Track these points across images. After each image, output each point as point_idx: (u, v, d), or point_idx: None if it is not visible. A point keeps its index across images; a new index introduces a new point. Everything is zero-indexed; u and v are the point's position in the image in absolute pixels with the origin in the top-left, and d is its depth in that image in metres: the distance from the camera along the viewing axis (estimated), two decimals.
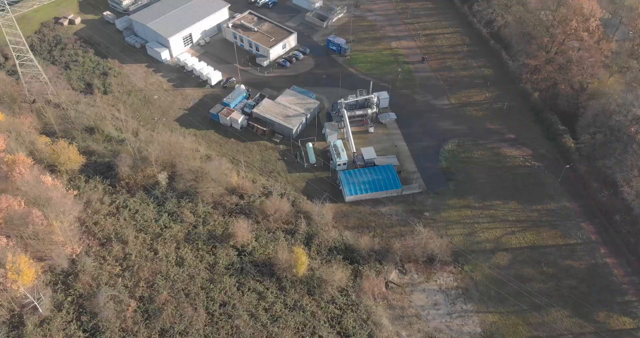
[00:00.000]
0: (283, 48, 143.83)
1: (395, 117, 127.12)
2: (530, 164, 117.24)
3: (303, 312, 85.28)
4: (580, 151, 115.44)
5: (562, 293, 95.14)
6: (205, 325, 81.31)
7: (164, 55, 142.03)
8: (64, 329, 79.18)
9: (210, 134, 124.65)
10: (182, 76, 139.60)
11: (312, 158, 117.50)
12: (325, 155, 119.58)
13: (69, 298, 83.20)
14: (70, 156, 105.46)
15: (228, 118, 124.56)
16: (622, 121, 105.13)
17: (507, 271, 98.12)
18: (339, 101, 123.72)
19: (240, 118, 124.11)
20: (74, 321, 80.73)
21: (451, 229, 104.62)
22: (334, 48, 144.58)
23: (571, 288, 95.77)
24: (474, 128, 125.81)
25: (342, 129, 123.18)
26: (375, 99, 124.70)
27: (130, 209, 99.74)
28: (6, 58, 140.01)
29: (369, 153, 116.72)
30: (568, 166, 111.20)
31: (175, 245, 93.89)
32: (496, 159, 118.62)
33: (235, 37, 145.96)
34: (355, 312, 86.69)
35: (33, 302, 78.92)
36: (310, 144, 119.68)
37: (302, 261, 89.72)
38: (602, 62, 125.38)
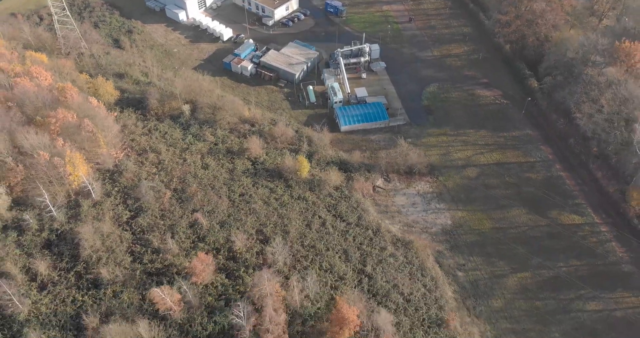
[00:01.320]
0: (286, 10, 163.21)
1: (385, 65, 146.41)
2: (500, 102, 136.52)
3: (305, 201, 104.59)
4: (542, 89, 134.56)
5: (522, 197, 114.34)
6: (228, 208, 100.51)
7: (181, 16, 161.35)
8: (112, 209, 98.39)
9: (223, 80, 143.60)
10: (197, 33, 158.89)
11: (313, 98, 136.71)
12: (323, 96, 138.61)
13: (116, 189, 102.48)
14: (107, 89, 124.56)
15: (239, 66, 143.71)
16: (575, 58, 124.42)
17: (475, 181, 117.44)
18: (336, 50, 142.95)
19: (249, 66, 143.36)
20: (121, 204, 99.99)
21: (429, 151, 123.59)
22: (332, 10, 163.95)
23: (529, 193, 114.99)
24: (452, 74, 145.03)
25: (338, 76, 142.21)
26: (367, 49, 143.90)
27: (160, 131, 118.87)
28: (41, 19, 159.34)
29: (361, 92, 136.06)
30: (530, 98, 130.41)
31: (200, 156, 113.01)
32: (470, 99, 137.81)
33: (244, 1, 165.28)
34: (348, 202, 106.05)
35: (87, 188, 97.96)
36: (311, 87, 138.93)
37: (304, 166, 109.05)
38: (564, 18, 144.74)
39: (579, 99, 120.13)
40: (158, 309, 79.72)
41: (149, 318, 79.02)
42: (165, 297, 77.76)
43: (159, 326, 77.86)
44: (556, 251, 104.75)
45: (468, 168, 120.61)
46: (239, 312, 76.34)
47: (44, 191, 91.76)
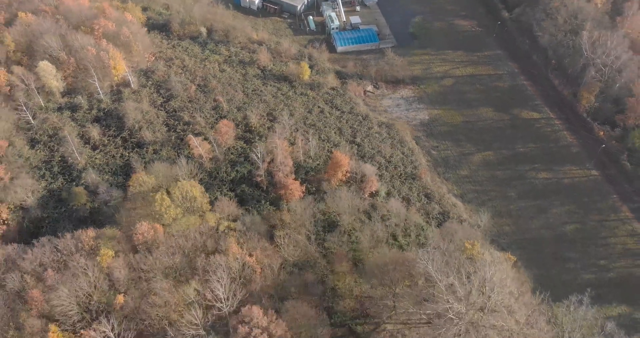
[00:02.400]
0: None
1: (377, 0, 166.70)
2: (475, 30, 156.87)
3: (307, 96, 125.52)
4: (512, 18, 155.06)
5: (490, 99, 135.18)
6: (243, 98, 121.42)
7: None
8: (149, 96, 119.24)
9: (234, 13, 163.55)
10: None
11: (312, 25, 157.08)
12: (322, 26, 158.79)
13: (150, 82, 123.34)
14: (136, 13, 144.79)
15: (247, 0, 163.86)
16: None
17: (451, 88, 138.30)
18: None
19: (257, 0, 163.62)
20: (155, 93, 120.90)
21: (413, 66, 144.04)
22: None
23: (496, 97, 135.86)
24: (436, 8, 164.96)
25: (336, 9, 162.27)
26: None
27: (182, 47, 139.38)
28: None
29: (355, 19, 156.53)
30: (499, 22, 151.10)
31: (217, 64, 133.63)
32: (450, 28, 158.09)
33: None
34: (342, 98, 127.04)
35: (127, 79, 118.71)
36: (311, 17, 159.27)
37: (306, 70, 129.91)
38: None
39: (540, 18, 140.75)
40: (193, 154, 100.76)
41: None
42: (198, 145, 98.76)
43: (193, 166, 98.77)
44: (516, 137, 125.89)
45: (445, 79, 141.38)
46: (257, 153, 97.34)
47: (94, 73, 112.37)
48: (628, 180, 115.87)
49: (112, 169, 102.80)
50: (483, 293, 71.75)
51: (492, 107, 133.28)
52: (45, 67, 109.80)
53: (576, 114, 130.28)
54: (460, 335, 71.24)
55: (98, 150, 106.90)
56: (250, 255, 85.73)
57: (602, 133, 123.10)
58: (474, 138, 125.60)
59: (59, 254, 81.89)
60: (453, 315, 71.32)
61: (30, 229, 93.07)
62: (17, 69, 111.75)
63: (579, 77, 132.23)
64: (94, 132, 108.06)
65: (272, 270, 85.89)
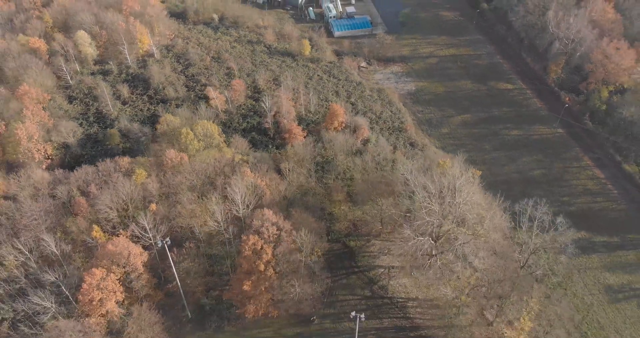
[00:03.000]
0: None
1: None
2: (457, 19, 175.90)
3: (308, 68, 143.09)
4: (490, 8, 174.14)
5: (469, 74, 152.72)
6: (251, 67, 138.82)
7: None
8: (170, 64, 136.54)
9: (241, 6, 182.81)
10: None
11: (312, 15, 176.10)
12: (321, 16, 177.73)
13: (170, 54, 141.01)
14: (154, 2, 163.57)
15: None
16: None
17: (436, 65, 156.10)
18: None
19: None
20: (175, 62, 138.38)
21: (402, 48, 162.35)
22: None
23: (475, 73, 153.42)
24: (423, 2, 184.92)
25: (333, 3, 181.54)
26: None
27: (197, 29, 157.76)
28: None
29: (350, 9, 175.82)
30: (478, 10, 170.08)
31: (228, 42, 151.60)
32: (435, 17, 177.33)
33: None
34: (339, 69, 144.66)
35: (152, 51, 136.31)
36: (311, 8, 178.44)
37: (307, 46, 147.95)
38: None
39: (513, 4, 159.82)
40: (210, 106, 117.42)
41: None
42: (215, 97, 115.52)
43: (211, 113, 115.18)
44: (491, 104, 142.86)
45: (430, 58, 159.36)
46: (266, 101, 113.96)
47: (124, 41, 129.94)
48: (589, 136, 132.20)
49: (140, 119, 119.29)
50: (452, 193, 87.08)
51: (471, 80, 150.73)
52: (82, 35, 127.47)
53: (545, 85, 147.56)
54: (434, 235, 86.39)
55: (127, 105, 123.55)
56: (261, 180, 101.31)
57: (567, 99, 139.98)
58: (454, 104, 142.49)
59: (99, 174, 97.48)
60: (427, 215, 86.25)
61: (71, 163, 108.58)
62: (58, 36, 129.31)
63: (547, 53, 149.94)
64: (124, 91, 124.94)
65: (278, 192, 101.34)
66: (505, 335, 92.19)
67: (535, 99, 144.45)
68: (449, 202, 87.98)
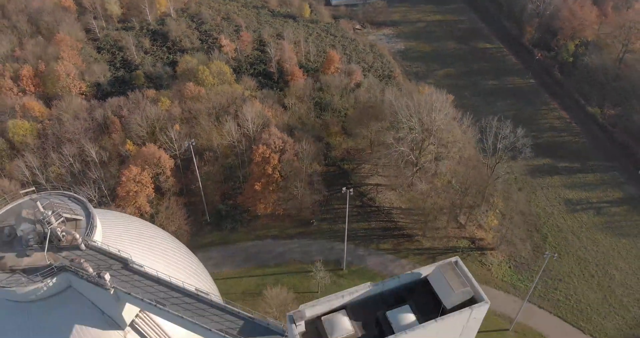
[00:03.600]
0: None
1: None
2: None
3: (308, 27, 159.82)
4: None
5: (453, 36, 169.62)
6: (257, 25, 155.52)
7: None
8: (186, 23, 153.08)
9: None
10: None
11: None
12: None
13: (185, 14, 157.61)
14: None
15: None
16: None
17: (423, 29, 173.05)
18: None
19: None
20: (190, 21, 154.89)
21: (393, 14, 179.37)
22: None
23: (459, 35, 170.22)
24: None
25: None
26: None
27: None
28: None
29: None
30: None
31: (236, 7, 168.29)
32: None
33: None
34: (335, 28, 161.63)
35: (169, 11, 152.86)
36: None
37: (307, 9, 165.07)
38: None
39: None
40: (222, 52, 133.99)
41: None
42: (226, 45, 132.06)
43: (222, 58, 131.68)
44: (472, 60, 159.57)
45: (419, 23, 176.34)
46: (270, 48, 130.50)
47: (145, 1, 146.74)
48: (558, 85, 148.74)
49: (161, 64, 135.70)
50: (429, 111, 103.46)
51: (455, 41, 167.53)
52: None
53: (521, 45, 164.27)
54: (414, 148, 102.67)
55: (149, 54, 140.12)
56: (267, 111, 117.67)
57: (540, 55, 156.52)
58: (439, 61, 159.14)
59: (129, 101, 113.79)
60: (409, 130, 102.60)
61: (103, 99, 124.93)
62: None
63: (523, 17, 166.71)
64: (146, 42, 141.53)
65: (282, 120, 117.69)
66: (476, 235, 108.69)
67: (512, 56, 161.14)
68: (427, 119, 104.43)
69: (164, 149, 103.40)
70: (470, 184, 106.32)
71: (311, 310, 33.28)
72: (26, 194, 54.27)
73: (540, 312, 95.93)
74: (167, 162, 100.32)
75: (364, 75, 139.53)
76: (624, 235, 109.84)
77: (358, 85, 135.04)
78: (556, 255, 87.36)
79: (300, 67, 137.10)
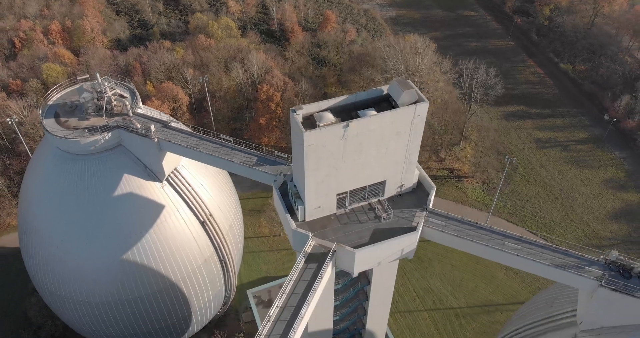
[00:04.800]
0: None
1: None
2: None
3: None
4: None
5: (440, 6, 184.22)
6: None
7: None
8: None
9: None
10: None
11: None
12: None
13: None
14: None
15: None
16: None
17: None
18: None
19: None
20: None
21: None
22: None
23: (446, 4, 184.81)
24: None
25: None
26: None
27: None
28: None
29: None
30: None
31: None
32: None
33: None
34: None
35: None
36: None
37: None
38: None
39: None
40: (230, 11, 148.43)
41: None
42: (232, 5, 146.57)
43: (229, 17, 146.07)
44: (457, 25, 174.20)
45: None
46: (272, 9, 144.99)
47: None
48: (534, 46, 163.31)
49: (175, 22, 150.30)
50: (414, 55, 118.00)
51: (442, 10, 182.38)
52: None
53: (503, 12, 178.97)
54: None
55: (163, 15, 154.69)
56: (270, 61, 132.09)
57: (519, 20, 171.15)
58: (427, 26, 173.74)
59: (148, 50, 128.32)
60: (395, 72, 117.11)
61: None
62: None
63: None
64: (159, 6, 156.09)
65: (284, 69, 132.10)
66: (454, 166, 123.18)
67: (494, 22, 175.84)
68: (412, 62, 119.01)
69: (181, 87, 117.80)
70: (449, 123, 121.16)
71: (306, 108, 47.80)
72: (83, 80, 68.67)
73: (508, 225, 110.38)
74: (184, 98, 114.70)
75: (358, 35, 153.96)
76: (587, 166, 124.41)
77: (352, 42, 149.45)
78: (515, 159, 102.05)
79: (300, 26, 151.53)
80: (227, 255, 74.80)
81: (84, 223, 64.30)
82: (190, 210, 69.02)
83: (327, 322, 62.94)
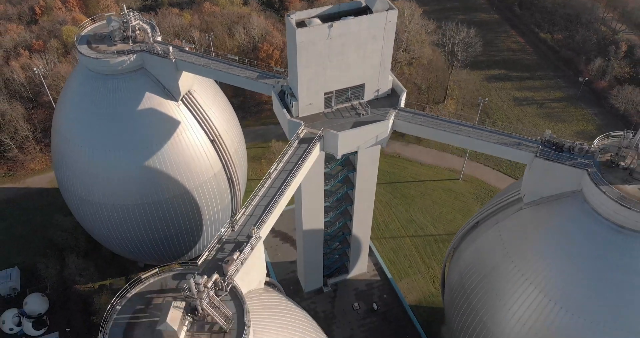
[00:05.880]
0: None
1: None
2: None
3: None
4: None
5: None
6: None
7: None
8: None
9: None
10: None
11: None
12: None
13: None
14: None
15: None
16: None
17: None
18: None
19: None
20: None
21: None
22: None
23: None
24: None
25: None
26: None
27: None
28: None
29: None
30: None
31: None
32: None
33: None
34: None
35: None
36: None
37: None
38: None
39: None
40: None
41: None
42: None
43: None
44: (445, 1, 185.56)
45: None
46: None
47: None
48: (517, 18, 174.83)
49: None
50: (401, 21, 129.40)
51: None
52: None
53: None
54: None
55: None
56: (271, 27, 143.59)
57: None
58: (416, 1, 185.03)
59: (158, 16, 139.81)
60: None
61: None
62: None
63: None
64: None
65: (283, 35, 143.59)
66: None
67: None
68: (400, 28, 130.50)
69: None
70: (434, 83, 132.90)
71: (299, 15, 59.48)
72: (108, 16, 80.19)
73: (484, 168, 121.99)
74: None
75: None
76: (560, 121, 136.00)
77: None
78: (487, 99, 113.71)
79: None
80: (233, 173, 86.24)
81: (110, 134, 75.82)
82: (202, 129, 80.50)
83: (318, 220, 74.72)
